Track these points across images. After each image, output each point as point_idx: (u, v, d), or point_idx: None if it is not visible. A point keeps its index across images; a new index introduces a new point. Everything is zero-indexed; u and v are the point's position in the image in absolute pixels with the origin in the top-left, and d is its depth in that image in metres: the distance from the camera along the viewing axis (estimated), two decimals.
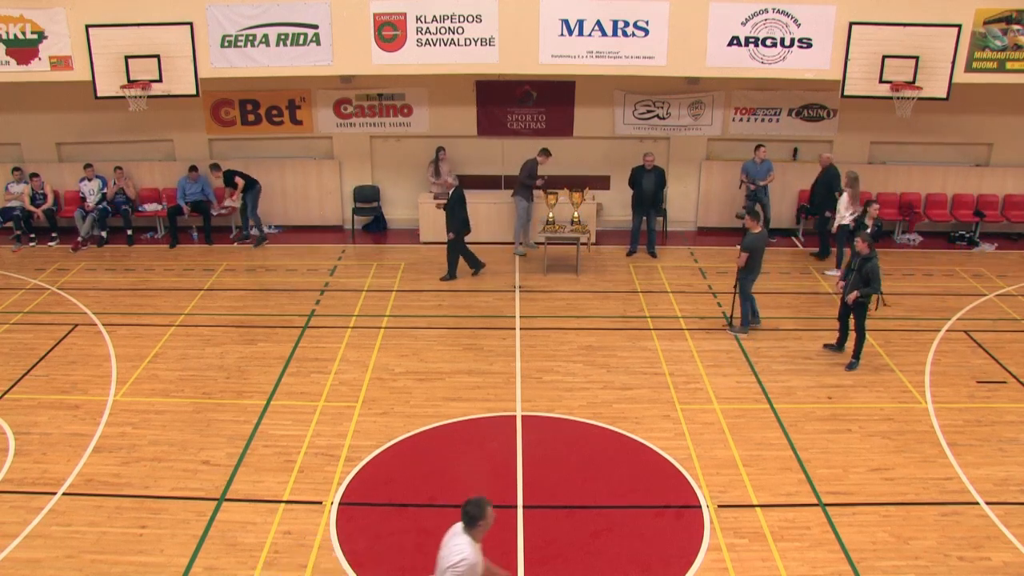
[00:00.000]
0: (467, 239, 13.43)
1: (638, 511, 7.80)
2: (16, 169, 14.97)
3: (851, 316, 10.46)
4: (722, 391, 9.94)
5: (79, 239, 14.78)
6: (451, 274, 13.32)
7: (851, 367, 10.44)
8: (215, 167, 14.77)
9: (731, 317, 11.65)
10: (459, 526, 5.68)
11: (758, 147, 14.42)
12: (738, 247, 11.23)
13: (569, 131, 15.40)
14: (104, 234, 15.02)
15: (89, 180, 14.96)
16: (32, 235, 14.97)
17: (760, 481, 8.20)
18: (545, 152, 13.99)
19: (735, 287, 11.44)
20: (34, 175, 14.92)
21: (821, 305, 12.38)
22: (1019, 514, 7.73)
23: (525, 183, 14.06)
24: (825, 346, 11.00)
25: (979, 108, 14.73)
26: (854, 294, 10.16)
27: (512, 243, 14.63)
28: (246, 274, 13.65)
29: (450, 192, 13.07)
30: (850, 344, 10.61)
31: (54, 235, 15.02)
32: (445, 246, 13.39)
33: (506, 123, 15.39)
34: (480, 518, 5.53)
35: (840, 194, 13.38)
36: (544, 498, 7.93)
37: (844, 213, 13.14)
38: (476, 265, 13.50)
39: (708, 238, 15.32)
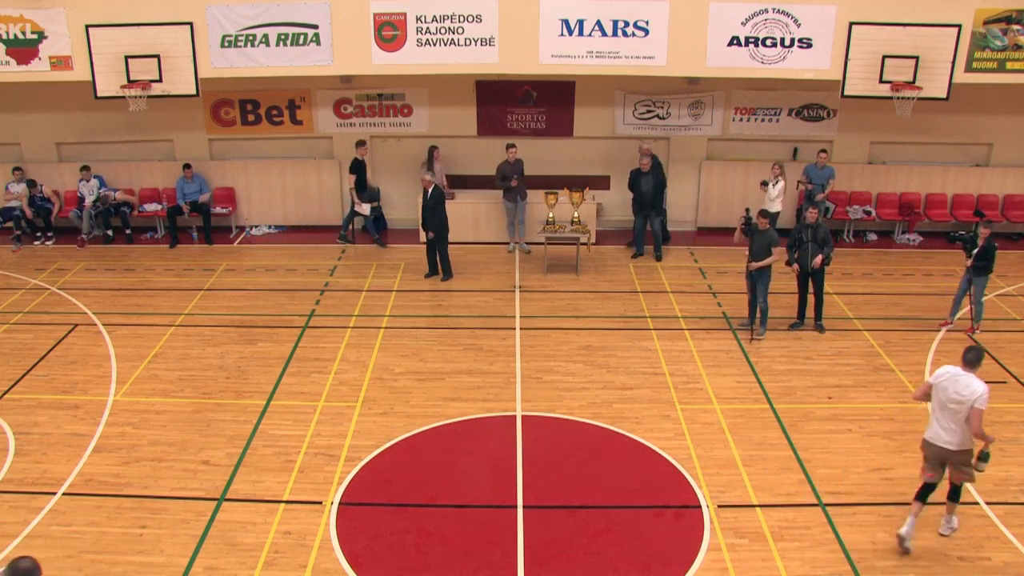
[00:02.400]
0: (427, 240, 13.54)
1: (638, 511, 7.80)
2: (16, 169, 14.97)
3: (810, 283, 11.33)
4: (722, 391, 9.94)
5: (82, 236, 14.82)
6: (448, 273, 13.31)
7: (821, 329, 11.43)
8: (361, 143, 14.52)
9: (752, 322, 11.39)
10: (955, 368, 7.05)
11: (820, 151, 14.48)
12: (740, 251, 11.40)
13: (569, 131, 15.40)
14: (110, 232, 15.03)
15: (87, 181, 14.97)
16: (37, 233, 15.00)
17: (760, 481, 8.20)
18: (508, 146, 14.10)
19: (755, 291, 11.24)
20: (32, 183, 14.87)
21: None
22: (1019, 514, 7.74)
23: (498, 185, 14.12)
24: (791, 327, 11.54)
25: (979, 108, 14.72)
26: (819, 258, 11.07)
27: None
28: (246, 274, 13.65)
29: (430, 191, 13.00)
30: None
31: (50, 235, 15.03)
32: (426, 247, 13.40)
33: (506, 123, 15.39)
34: (982, 359, 7.01)
35: (765, 185, 13.98)
36: (544, 498, 7.93)
37: (775, 200, 13.75)
38: (435, 271, 13.44)
39: (708, 238, 15.31)
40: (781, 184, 13.81)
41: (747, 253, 11.28)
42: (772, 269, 11.21)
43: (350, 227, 14.93)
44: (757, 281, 11.22)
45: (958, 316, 11.75)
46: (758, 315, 11.38)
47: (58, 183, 15.39)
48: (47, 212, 15.03)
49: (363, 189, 14.57)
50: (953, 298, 11.68)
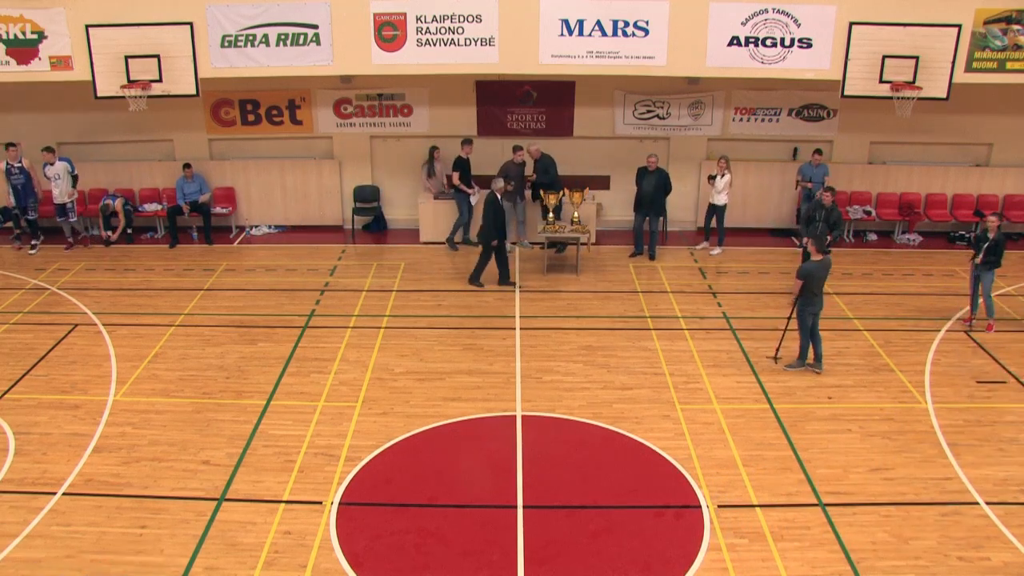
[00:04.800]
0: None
1: (638, 511, 7.80)
2: (10, 145, 14.23)
3: None
4: (722, 391, 9.94)
5: (82, 236, 14.74)
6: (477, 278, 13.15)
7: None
8: (467, 142, 14.42)
9: (778, 351, 10.66)
10: None
11: (815, 151, 14.53)
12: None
13: (569, 131, 15.41)
14: (110, 233, 15.00)
15: (51, 165, 14.14)
16: (33, 241, 14.71)
17: (760, 481, 8.20)
18: (514, 149, 14.09)
19: (789, 318, 10.59)
20: (10, 144, 14.07)
21: None
22: (1019, 514, 7.73)
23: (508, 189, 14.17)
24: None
25: (979, 108, 14.73)
26: (828, 237, 11.46)
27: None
28: (246, 274, 13.65)
29: (502, 195, 12.93)
30: None
31: (36, 240, 14.69)
32: (486, 250, 12.99)
33: (506, 123, 15.40)
34: None
35: (712, 179, 14.24)
36: (544, 498, 7.93)
37: (721, 192, 14.16)
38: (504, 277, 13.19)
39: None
40: (727, 177, 14.08)
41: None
42: (818, 305, 10.09)
43: (457, 236, 14.77)
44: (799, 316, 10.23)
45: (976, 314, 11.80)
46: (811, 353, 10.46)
47: None
48: (34, 204, 14.30)
49: (468, 186, 14.48)
50: (969, 297, 11.72)
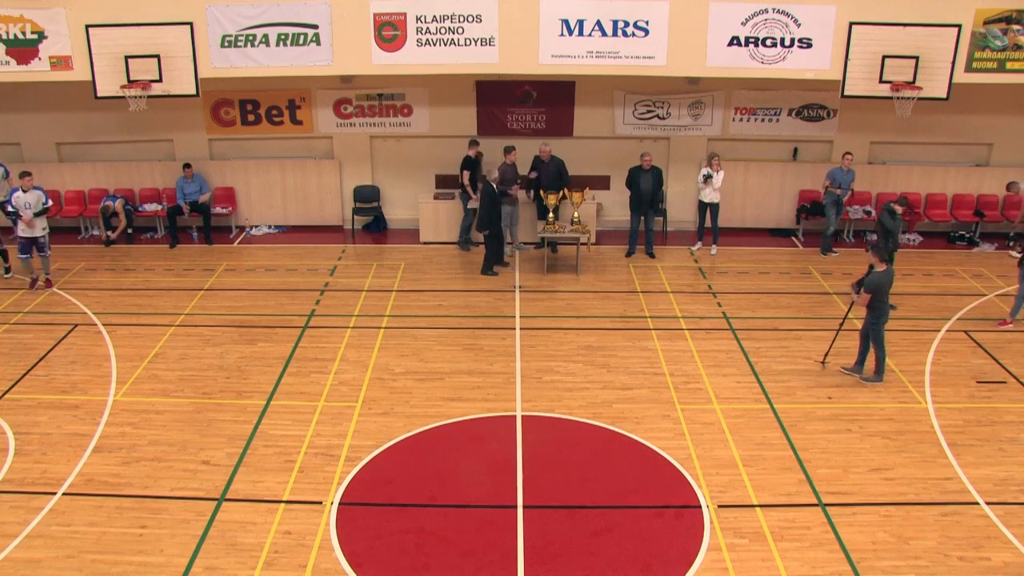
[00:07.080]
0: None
1: (638, 511, 7.80)
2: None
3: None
4: (722, 391, 9.94)
5: (41, 277, 12.88)
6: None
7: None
8: (475, 142, 14.48)
9: (826, 356, 10.60)
10: None
11: (846, 154, 14.41)
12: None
13: (569, 131, 15.41)
14: (110, 233, 14.98)
15: (25, 191, 12.46)
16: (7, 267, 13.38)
17: (760, 481, 8.20)
18: (507, 150, 14.11)
19: (841, 323, 10.66)
20: None
21: (821, 305, 12.40)
22: (1019, 514, 7.73)
23: (497, 189, 14.16)
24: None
25: (979, 108, 14.73)
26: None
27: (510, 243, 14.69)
28: (246, 274, 13.65)
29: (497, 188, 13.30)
30: None
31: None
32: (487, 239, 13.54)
33: (506, 123, 15.40)
34: None
35: (709, 179, 14.08)
36: (544, 498, 7.93)
37: (715, 190, 14.11)
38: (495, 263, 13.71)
39: (708, 238, 15.29)
40: (722, 174, 14.08)
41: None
42: (886, 316, 10.04)
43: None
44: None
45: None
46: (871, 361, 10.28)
47: (58, 183, 15.37)
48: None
49: (475, 189, 14.47)
50: (1016, 296, 11.65)
